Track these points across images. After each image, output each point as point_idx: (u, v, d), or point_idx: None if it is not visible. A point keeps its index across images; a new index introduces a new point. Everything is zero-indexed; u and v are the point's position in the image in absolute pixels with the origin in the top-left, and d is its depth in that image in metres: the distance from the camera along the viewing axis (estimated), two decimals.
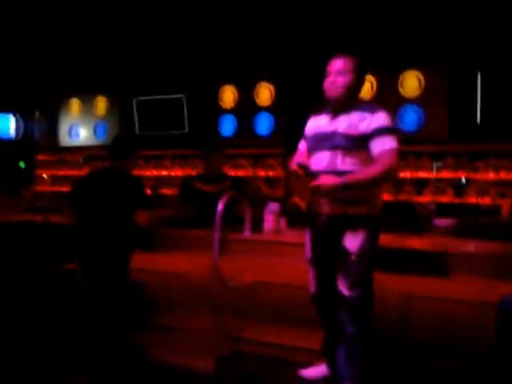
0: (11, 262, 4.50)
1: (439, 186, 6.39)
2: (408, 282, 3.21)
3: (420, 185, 6.45)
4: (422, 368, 3.09)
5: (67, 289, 4.22)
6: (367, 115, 2.75)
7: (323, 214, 2.88)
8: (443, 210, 6.03)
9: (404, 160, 6.38)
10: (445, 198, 6.24)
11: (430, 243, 3.88)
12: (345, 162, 2.77)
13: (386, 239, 3.48)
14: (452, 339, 3.06)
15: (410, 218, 6.04)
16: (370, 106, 2.81)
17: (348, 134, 2.76)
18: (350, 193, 2.76)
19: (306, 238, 3.06)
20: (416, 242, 3.74)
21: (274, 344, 3.49)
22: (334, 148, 2.79)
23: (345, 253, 2.80)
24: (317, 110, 3.05)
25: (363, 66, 2.86)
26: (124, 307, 3.69)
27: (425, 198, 6.34)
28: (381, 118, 2.75)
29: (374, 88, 6.57)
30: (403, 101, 6.45)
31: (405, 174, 6.40)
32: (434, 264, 3.23)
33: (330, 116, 2.90)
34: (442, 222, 5.60)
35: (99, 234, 3.65)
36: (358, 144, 2.75)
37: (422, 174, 6.39)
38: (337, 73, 2.81)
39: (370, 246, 2.81)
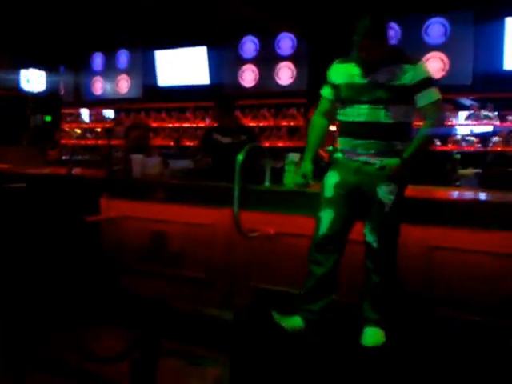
0: (35, 215, 4.59)
1: (464, 135, 6.26)
2: (432, 233, 3.18)
3: (444, 134, 6.32)
4: (444, 320, 3.10)
5: (89, 241, 4.32)
6: (409, 67, 2.77)
7: (358, 161, 2.87)
8: (468, 159, 5.93)
9: None
10: (470, 148, 6.11)
11: (454, 193, 3.84)
12: (387, 115, 2.78)
13: (410, 190, 3.46)
14: (476, 292, 3.06)
15: (435, 169, 5.98)
16: (409, 58, 2.84)
17: (390, 86, 2.76)
18: (386, 144, 2.80)
19: (328, 179, 3.00)
20: (440, 193, 3.69)
21: (294, 294, 3.53)
22: (375, 101, 2.79)
23: (378, 204, 2.81)
24: (344, 57, 2.99)
25: (386, 22, 2.88)
26: None
27: (449, 148, 6.22)
28: (423, 70, 2.81)
29: (399, 36, 6.38)
30: (428, 48, 6.27)
31: None
32: (458, 215, 3.18)
33: (365, 67, 2.85)
34: (467, 172, 5.52)
35: None
36: (400, 96, 2.77)
37: (447, 123, 6.24)
38: (365, 36, 2.75)
39: (401, 197, 2.85)
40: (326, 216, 2.97)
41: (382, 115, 2.78)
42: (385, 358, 2.77)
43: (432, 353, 2.85)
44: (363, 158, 2.84)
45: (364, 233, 2.89)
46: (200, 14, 7.07)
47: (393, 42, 6.39)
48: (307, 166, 3.06)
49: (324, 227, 2.97)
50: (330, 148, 3.08)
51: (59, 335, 3.29)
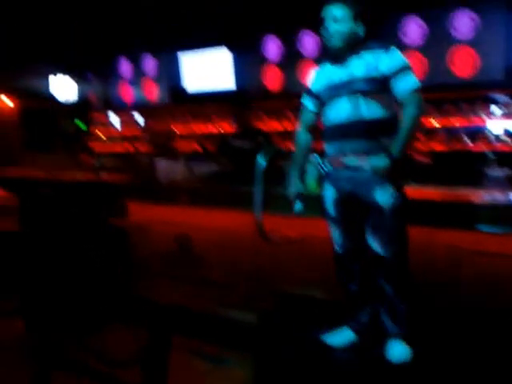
0: (64, 220, 4.66)
1: (495, 134, 6.09)
2: (459, 236, 3.09)
3: (474, 133, 6.16)
4: (471, 325, 3.00)
5: (117, 244, 4.36)
6: (382, 54, 2.62)
7: (348, 167, 2.71)
8: (499, 159, 5.77)
9: (457, 107, 6.10)
10: (502, 147, 5.95)
11: (483, 196, 3.74)
12: (369, 109, 2.62)
13: (437, 192, 3.38)
14: (503, 296, 2.96)
15: (465, 169, 5.84)
16: (380, 44, 2.67)
17: (369, 77, 2.62)
18: (373, 142, 2.63)
19: (326, 194, 2.88)
20: (467, 195, 3.60)
21: (318, 299, 3.50)
22: (355, 95, 2.64)
23: (376, 209, 2.64)
24: (320, 63, 2.89)
25: (360, 13, 2.68)
26: None
27: (480, 147, 6.06)
28: (397, 55, 2.63)
29: (424, 31, 6.25)
30: (455, 43, 6.10)
31: (458, 122, 6.13)
32: (485, 217, 3.09)
33: (338, 64, 2.73)
34: (498, 172, 5.37)
35: None
36: (380, 87, 2.61)
37: (477, 122, 6.08)
38: (333, 20, 2.65)
39: (400, 197, 2.66)
40: (335, 234, 2.87)
41: (363, 110, 2.62)
42: (413, 374, 2.67)
43: (465, 367, 2.75)
44: (352, 162, 2.68)
45: (368, 241, 2.72)
46: (221, 14, 7.06)
47: (417, 37, 6.29)
48: (297, 185, 2.94)
49: (336, 246, 2.88)
50: (318, 159, 2.94)
51: (81, 337, 3.35)
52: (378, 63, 2.61)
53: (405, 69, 2.60)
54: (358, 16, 2.66)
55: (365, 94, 2.62)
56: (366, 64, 2.64)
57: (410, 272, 2.73)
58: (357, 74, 2.65)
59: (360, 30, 2.68)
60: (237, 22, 7.21)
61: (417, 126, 2.67)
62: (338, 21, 2.64)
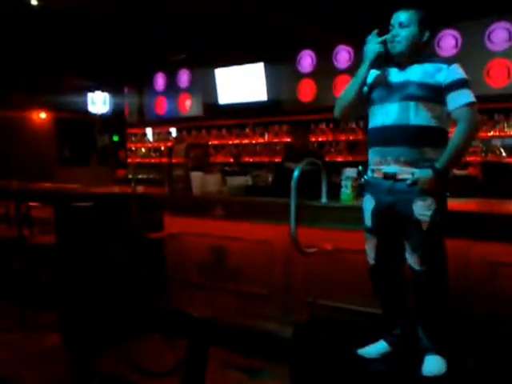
0: (101, 232, 4.75)
1: None
2: (495, 249, 3.06)
3: (509, 145, 6.09)
4: (507, 339, 2.96)
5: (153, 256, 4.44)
6: (443, 66, 2.61)
7: (388, 179, 2.68)
8: None
9: (493, 118, 6.04)
10: None
11: None
12: (418, 115, 2.59)
13: (471, 204, 3.34)
14: None
15: (501, 181, 5.77)
16: (443, 60, 2.70)
17: (423, 83, 2.60)
18: (417, 151, 2.60)
19: (365, 204, 2.85)
20: (502, 207, 3.56)
21: (353, 310, 3.49)
22: (406, 99, 2.61)
23: (415, 223, 2.60)
24: (382, 64, 2.85)
25: (427, 18, 2.70)
26: None
27: None
28: (458, 71, 2.62)
29: (459, 43, 6.21)
30: (491, 55, 6.06)
31: (494, 134, 6.06)
32: None
33: (398, 68, 2.73)
34: None
35: None
36: (432, 95, 2.59)
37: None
38: (399, 25, 2.67)
39: (440, 213, 2.61)
40: (370, 246, 2.85)
41: (411, 115, 2.59)
42: None
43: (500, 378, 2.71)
44: (393, 169, 2.64)
45: (405, 256, 2.70)
46: (257, 31, 7.14)
47: (453, 49, 6.26)
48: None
49: (371, 258, 2.85)
50: (360, 168, 2.93)
51: (117, 348, 3.41)
52: (436, 73, 2.60)
53: (461, 83, 2.59)
54: (423, 21, 2.68)
55: (416, 99, 2.60)
56: (424, 71, 2.63)
57: (447, 288, 2.69)
58: (412, 78, 2.64)
59: (424, 37, 2.70)
60: (273, 38, 7.29)
61: (467, 143, 2.64)
62: (404, 26, 2.66)
